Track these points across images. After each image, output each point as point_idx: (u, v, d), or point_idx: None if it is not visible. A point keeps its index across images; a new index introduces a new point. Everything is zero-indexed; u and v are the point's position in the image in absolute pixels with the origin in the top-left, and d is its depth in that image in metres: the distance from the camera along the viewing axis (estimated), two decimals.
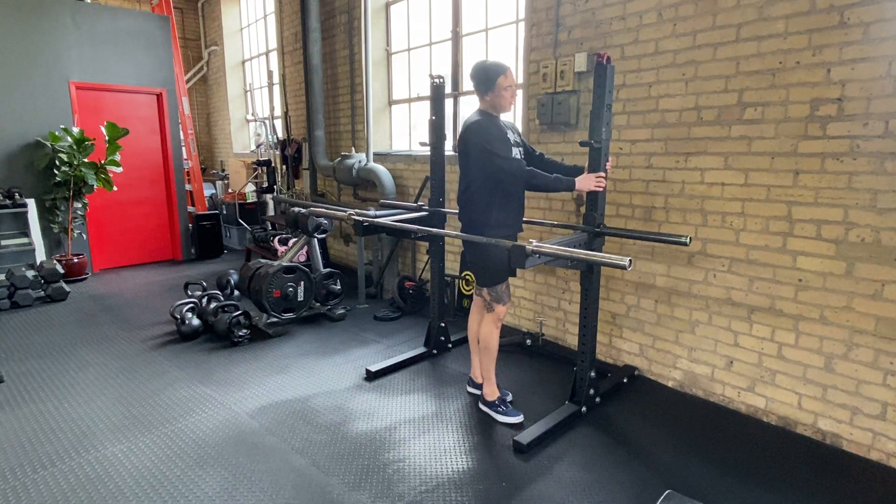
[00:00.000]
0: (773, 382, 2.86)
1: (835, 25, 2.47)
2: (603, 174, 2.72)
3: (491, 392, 2.98)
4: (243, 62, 9.29)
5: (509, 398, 3.08)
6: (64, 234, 5.80)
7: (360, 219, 3.23)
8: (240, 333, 3.96)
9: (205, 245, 7.09)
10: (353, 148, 5.85)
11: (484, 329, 2.93)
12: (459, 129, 4.91)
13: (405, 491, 2.30)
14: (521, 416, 2.90)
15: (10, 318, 4.60)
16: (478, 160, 2.75)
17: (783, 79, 2.66)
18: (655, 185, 3.25)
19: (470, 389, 3.23)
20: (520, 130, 4.09)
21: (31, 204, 5.51)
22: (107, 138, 5.65)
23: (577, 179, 2.69)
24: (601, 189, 2.74)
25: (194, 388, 3.26)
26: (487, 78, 2.74)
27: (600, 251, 2.84)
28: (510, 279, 2.92)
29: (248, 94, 9.25)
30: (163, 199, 6.87)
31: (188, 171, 7.71)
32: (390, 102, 5.89)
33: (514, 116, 4.43)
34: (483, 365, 2.99)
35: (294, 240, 5.01)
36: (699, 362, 3.18)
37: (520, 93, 4.21)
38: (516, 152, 2.79)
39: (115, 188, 5.93)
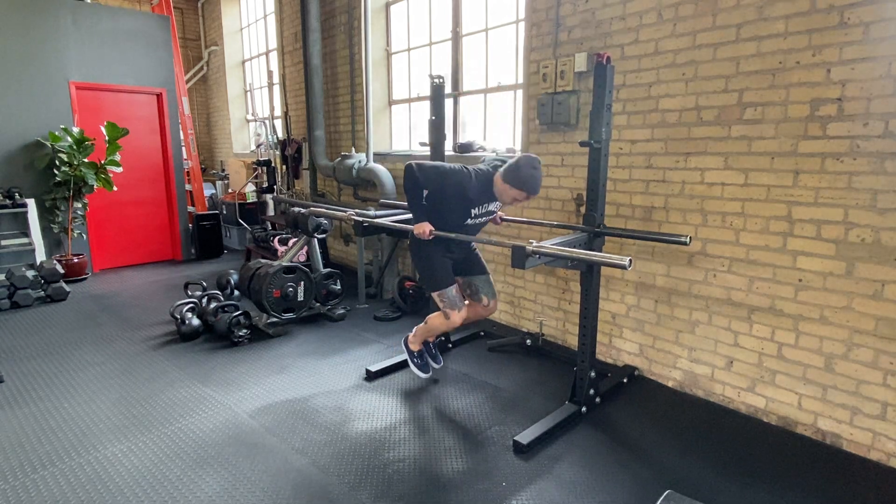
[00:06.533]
0: (773, 382, 2.86)
1: (835, 25, 2.47)
2: (430, 235, 2.83)
3: (414, 343, 3.28)
4: (243, 62, 9.29)
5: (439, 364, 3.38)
6: (64, 234, 5.80)
7: (360, 219, 3.23)
8: (240, 333, 3.95)
9: (205, 245, 7.09)
10: (353, 148, 5.85)
11: (436, 318, 3.08)
12: (459, 128, 4.96)
13: (405, 491, 2.30)
14: (430, 374, 3.29)
15: (10, 318, 4.60)
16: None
17: (783, 79, 2.66)
18: (655, 185, 3.25)
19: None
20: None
21: (31, 204, 5.51)
22: (107, 138, 5.65)
23: (420, 224, 2.83)
24: (423, 235, 2.82)
25: (194, 389, 3.26)
26: (514, 178, 2.68)
27: (600, 251, 2.85)
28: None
29: (248, 94, 9.25)
30: (163, 199, 6.87)
31: (188, 171, 7.71)
32: (390, 102, 5.89)
33: (513, 117, 4.43)
34: (426, 326, 3.16)
35: (294, 240, 5.01)
36: (699, 362, 3.18)
37: (520, 93, 4.22)
38: (472, 220, 2.90)
39: (115, 188, 5.93)
